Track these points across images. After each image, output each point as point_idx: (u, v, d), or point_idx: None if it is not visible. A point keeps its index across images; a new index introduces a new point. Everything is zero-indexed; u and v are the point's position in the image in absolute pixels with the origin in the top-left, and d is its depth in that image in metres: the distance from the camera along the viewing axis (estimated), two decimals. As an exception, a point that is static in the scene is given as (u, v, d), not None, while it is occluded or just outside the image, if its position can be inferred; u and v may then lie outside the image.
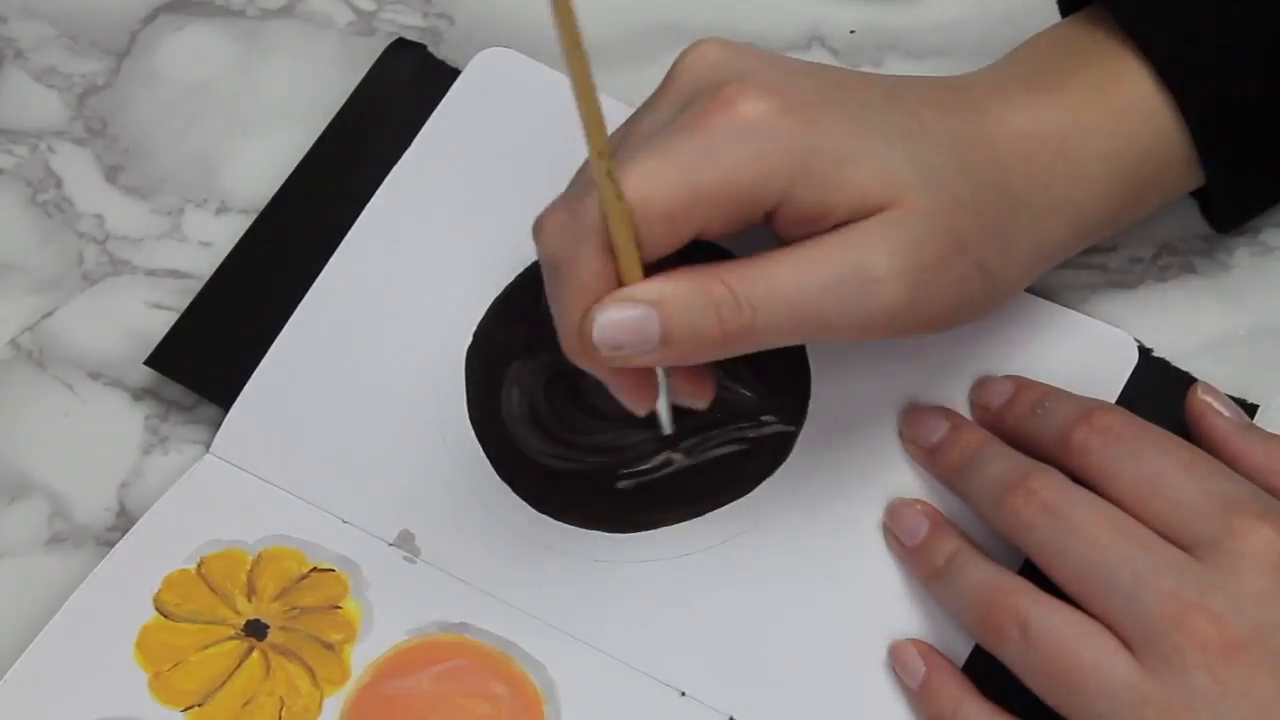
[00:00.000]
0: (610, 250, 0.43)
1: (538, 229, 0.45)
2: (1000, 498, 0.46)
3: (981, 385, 0.51)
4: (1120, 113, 0.48)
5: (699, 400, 0.49)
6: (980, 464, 0.48)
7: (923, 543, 0.49)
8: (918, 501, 0.50)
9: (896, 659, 0.48)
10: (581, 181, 0.45)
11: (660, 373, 0.48)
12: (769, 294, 0.43)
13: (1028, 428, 0.48)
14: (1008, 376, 0.51)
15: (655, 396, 0.48)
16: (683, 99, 0.45)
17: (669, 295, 0.43)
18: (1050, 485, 0.45)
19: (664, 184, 0.43)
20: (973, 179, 0.46)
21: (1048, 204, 0.48)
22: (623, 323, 0.43)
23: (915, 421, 0.51)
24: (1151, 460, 0.45)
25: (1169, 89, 0.48)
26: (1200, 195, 0.52)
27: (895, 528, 0.50)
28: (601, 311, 0.43)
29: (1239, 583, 0.42)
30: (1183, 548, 0.43)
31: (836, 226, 0.44)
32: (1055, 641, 0.44)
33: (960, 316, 0.47)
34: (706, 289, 0.43)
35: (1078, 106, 0.48)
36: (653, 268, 0.44)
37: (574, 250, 0.44)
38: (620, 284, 0.44)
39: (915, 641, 0.48)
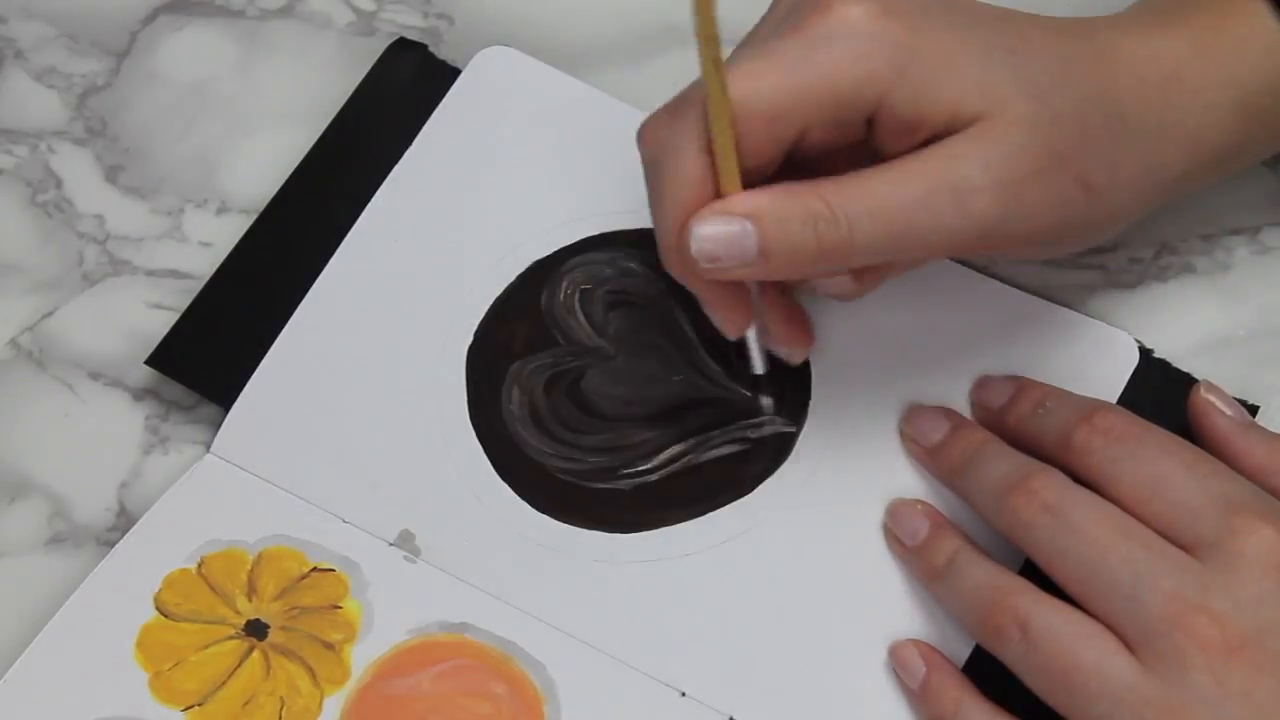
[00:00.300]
0: (709, 151, 0.43)
1: (640, 132, 0.46)
2: (1001, 498, 0.46)
3: (982, 385, 0.51)
4: (1241, 42, 0.47)
5: (795, 350, 0.49)
6: (981, 464, 0.48)
7: (923, 543, 0.49)
8: (918, 502, 0.50)
9: (897, 659, 0.48)
10: (684, 91, 0.46)
11: (755, 298, 0.48)
12: (865, 208, 0.43)
13: (1029, 428, 0.48)
14: (1009, 376, 0.51)
15: (748, 320, 0.48)
16: (787, 11, 0.45)
17: (766, 209, 0.43)
18: (1051, 485, 0.45)
19: (765, 82, 0.43)
20: (1075, 92, 0.45)
21: (1160, 126, 0.47)
22: (720, 236, 0.43)
23: (916, 421, 0.51)
24: (1153, 460, 0.45)
25: None
26: None
27: (896, 528, 0.50)
28: (699, 224, 0.44)
29: (1240, 583, 0.42)
30: (1184, 548, 0.43)
31: (932, 139, 0.44)
32: (1056, 642, 0.44)
33: (1061, 236, 0.46)
34: (803, 203, 0.43)
35: (1195, 37, 0.47)
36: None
37: (673, 149, 0.44)
38: (718, 191, 0.44)
39: (915, 642, 0.48)
